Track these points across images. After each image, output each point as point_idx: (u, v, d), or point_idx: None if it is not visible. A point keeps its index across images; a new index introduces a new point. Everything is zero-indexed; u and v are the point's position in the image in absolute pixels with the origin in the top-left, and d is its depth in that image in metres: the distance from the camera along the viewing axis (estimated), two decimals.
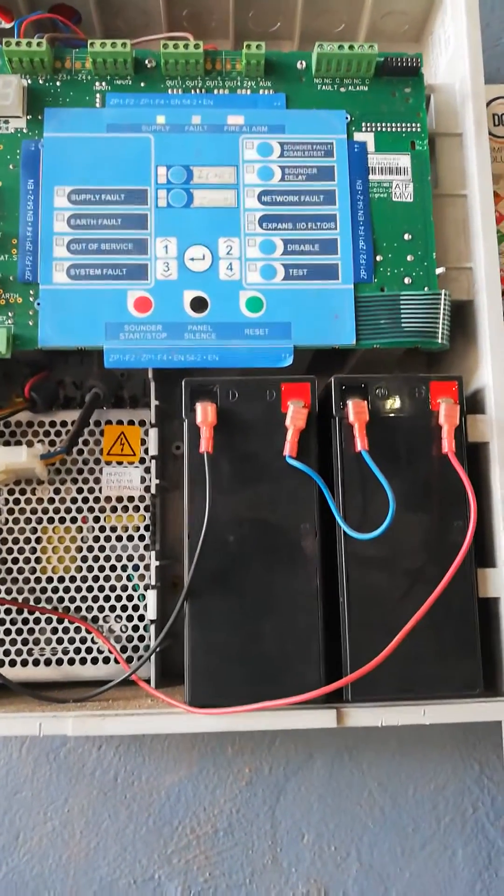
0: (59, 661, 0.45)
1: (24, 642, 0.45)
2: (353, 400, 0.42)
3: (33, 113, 0.45)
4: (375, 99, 0.47)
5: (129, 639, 0.46)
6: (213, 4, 0.54)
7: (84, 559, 0.46)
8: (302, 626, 0.40)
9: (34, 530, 0.47)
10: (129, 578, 0.46)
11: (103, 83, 0.46)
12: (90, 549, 0.46)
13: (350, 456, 0.42)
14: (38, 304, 0.44)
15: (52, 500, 0.47)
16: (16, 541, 0.46)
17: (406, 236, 0.45)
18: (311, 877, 0.49)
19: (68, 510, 0.47)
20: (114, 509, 0.47)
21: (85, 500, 0.47)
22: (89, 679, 0.45)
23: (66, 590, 0.46)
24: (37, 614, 0.46)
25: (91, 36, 0.53)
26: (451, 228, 0.47)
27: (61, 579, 0.46)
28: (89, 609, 0.46)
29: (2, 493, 0.46)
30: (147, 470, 0.47)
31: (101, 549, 0.46)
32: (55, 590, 0.46)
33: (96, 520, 0.47)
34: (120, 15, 0.54)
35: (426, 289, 0.45)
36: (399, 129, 0.47)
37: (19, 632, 0.46)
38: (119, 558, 0.46)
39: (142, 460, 0.47)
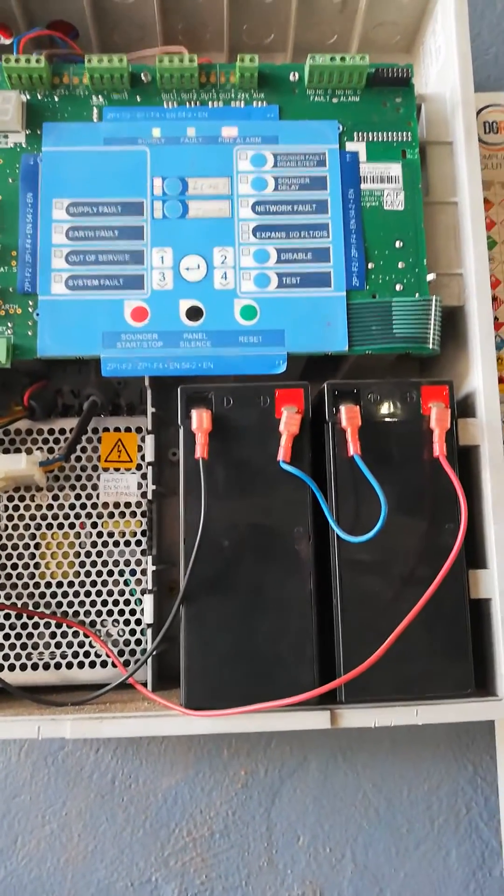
0: (58, 665, 0.46)
1: (23, 646, 0.46)
2: (346, 405, 0.42)
3: (32, 127, 0.46)
4: (367, 109, 0.48)
5: (127, 643, 0.46)
6: (207, 18, 0.55)
7: (82, 564, 0.47)
8: (296, 628, 0.41)
9: (33, 536, 0.47)
10: (126, 583, 0.47)
11: (100, 97, 0.47)
12: (88, 554, 0.47)
13: (343, 460, 0.42)
14: (37, 314, 0.44)
15: (50, 507, 0.47)
16: (15, 546, 0.47)
17: (397, 244, 0.46)
18: (306, 878, 0.49)
19: (66, 516, 0.47)
20: (111, 515, 0.47)
21: (83, 507, 0.47)
22: (87, 683, 0.45)
23: (65, 594, 0.47)
24: (35, 619, 0.46)
25: (88, 50, 0.54)
26: (441, 235, 0.47)
27: (59, 584, 0.47)
28: (87, 613, 0.47)
29: (1, 500, 0.47)
30: (144, 476, 0.48)
31: (99, 554, 0.47)
32: (53, 594, 0.47)
33: (94, 525, 0.47)
34: (116, 29, 0.55)
35: (417, 295, 0.46)
36: (390, 139, 0.47)
37: (18, 636, 0.46)
38: (116, 563, 0.47)
39: (139, 467, 0.48)
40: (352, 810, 0.51)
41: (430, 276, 0.46)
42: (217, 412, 0.42)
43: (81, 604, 0.47)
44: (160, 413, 0.47)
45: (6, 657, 0.46)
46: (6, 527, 0.47)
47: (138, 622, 0.46)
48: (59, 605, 0.47)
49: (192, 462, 0.42)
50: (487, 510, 0.43)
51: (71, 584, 0.47)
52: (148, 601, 0.45)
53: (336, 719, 0.40)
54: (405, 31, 0.56)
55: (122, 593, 0.47)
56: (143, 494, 0.47)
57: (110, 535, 0.47)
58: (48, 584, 0.47)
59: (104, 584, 0.47)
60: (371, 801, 0.51)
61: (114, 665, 0.46)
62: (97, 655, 0.46)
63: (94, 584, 0.47)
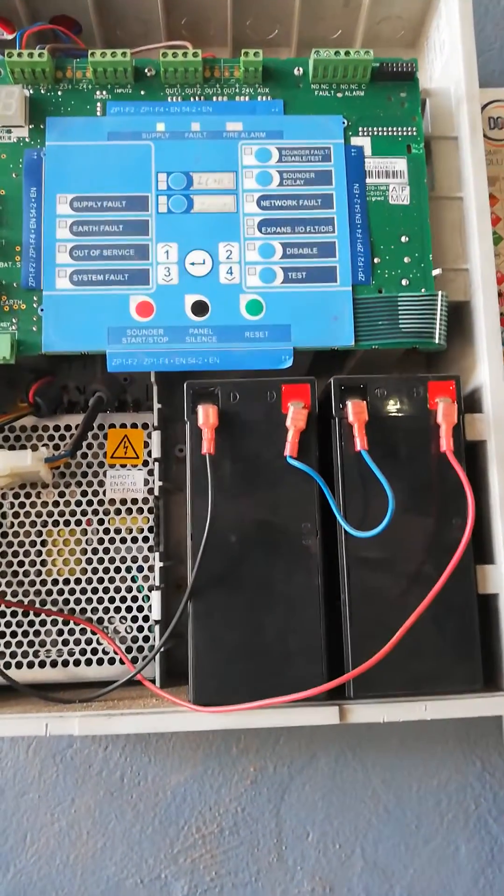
0: (65, 663, 0.46)
1: (31, 644, 0.46)
2: (353, 400, 0.42)
3: (35, 122, 0.46)
4: (372, 104, 0.47)
5: (134, 639, 0.46)
6: (211, 13, 0.55)
7: (89, 561, 0.47)
8: (304, 624, 0.41)
9: (39, 533, 0.47)
10: (133, 580, 0.47)
11: (104, 92, 0.47)
12: (95, 551, 0.47)
13: (350, 455, 0.42)
14: (42, 310, 0.44)
15: (56, 504, 0.47)
16: (21, 544, 0.47)
17: (403, 238, 0.46)
18: (316, 874, 0.49)
19: (73, 513, 0.47)
20: (118, 512, 0.47)
21: (89, 503, 0.47)
22: (95, 680, 0.45)
23: (72, 592, 0.47)
24: (43, 616, 0.46)
25: (91, 46, 0.54)
26: (447, 230, 0.47)
27: (66, 581, 0.47)
28: (94, 610, 0.46)
29: (7, 497, 0.47)
30: (150, 472, 0.47)
31: (106, 551, 0.47)
32: (60, 592, 0.47)
33: (101, 522, 0.47)
34: (120, 24, 0.55)
35: (423, 290, 0.45)
36: (395, 133, 0.47)
37: (25, 634, 0.46)
38: (123, 560, 0.47)
39: (145, 463, 0.48)
40: (361, 806, 0.50)
41: (437, 271, 0.46)
42: (223, 408, 0.42)
43: (89, 601, 0.46)
44: (166, 409, 0.47)
45: (14, 655, 0.46)
46: (12, 524, 0.47)
47: (146, 619, 0.46)
48: (67, 602, 0.46)
49: (199, 458, 0.42)
50: (495, 505, 0.43)
51: (78, 582, 0.47)
52: (155, 598, 0.45)
53: (345, 715, 0.40)
54: (409, 26, 0.56)
55: (129, 590, 0.47)
56: (150, 491, 0.47)
57: (117, 531, 0.47)
58: (55, 582, 0.47)
59: (111, 580, 0.47)
60: (380, 798, 0.51)
61: (122, 662, 0.46)
62: (105, 652, 0.46)
63: (101, 581, 0.47)
